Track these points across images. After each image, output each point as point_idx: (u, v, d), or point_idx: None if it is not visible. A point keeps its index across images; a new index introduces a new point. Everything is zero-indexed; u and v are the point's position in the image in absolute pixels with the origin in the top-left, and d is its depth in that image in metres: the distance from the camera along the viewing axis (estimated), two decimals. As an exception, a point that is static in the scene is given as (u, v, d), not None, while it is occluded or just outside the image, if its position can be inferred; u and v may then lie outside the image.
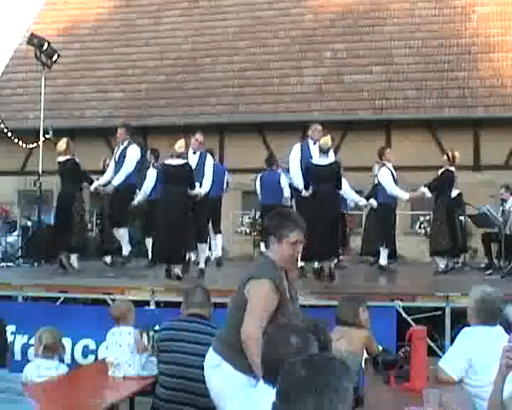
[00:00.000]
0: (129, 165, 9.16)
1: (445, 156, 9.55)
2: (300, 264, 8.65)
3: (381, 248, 9.65)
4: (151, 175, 9.71)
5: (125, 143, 9.34)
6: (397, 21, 17.62)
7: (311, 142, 8.80)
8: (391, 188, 9.29)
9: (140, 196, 9.60)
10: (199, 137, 9.15)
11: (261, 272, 3.52)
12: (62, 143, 9.23)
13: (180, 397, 4.20)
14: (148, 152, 10.39)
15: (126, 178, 9.18)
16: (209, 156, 9.20)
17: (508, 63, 15.91)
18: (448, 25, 17.16)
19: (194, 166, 8.83)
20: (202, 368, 4.12)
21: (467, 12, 17.32)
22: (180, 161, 8.32)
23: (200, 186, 8.64)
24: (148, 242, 10.18)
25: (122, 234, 9.38)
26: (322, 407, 1.70)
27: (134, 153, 9.28)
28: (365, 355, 4.70)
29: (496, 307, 4.04)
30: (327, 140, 8.31)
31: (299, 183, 8.56)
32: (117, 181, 9.15)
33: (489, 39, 16.50)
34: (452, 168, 9.44)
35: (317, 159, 8.27)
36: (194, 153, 9.01)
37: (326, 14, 18.20)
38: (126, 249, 9.44)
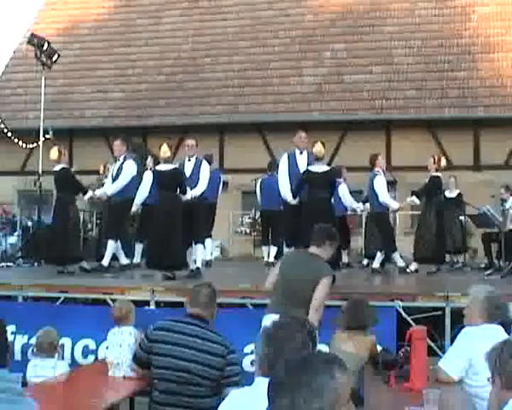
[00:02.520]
0: (123, 178, 9.13)
1: (431, 160, 9.56)
2: None
3: (379, 253, 9.70)
4: (147, 178, 9.72)
5: (122, 159, 9.34)
6: (397, 21, 17.63)
7: (297, 152, 8.64)
8: (383, 197, 9.33)
9: (137, 200, 9.61)
10: (189, 141, 9.04)
11: (330, 270, 5.14)
12: (54, 152, 9.13)
13: (175, 400, 4.16)
14: (149, 157, 10.37)
15: (124, 193, 9.15)
16: (205, 163, 9.06)
17: (508, 63, 15.91)
18: (448, 25, 17.17)
19: (189, 173, 8.76)
20: (199, 376, 4.07)
21: (467, 12, 17.33)
22: (169, 166, 8.30)
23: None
24: (138, 246, 10.18)
25: (115, 247, 9.35)
26: (294, 404, 1.74)
27: (129, 168, 9.25)
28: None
29: (500, 304, 4.09)
30: (321, 148, 8.26)
31: (286, 193, 8.47)
32: (110, 191, 9.16)
33: (489, 39, 16.51)
34: (438, 174, 9.46)
35: (314, 166, 8.23)
36: (189, 159, 8.92)
37: (326, 14, 18.21)
38: (124, 260, 9.44)
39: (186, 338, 4.18)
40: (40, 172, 11.12)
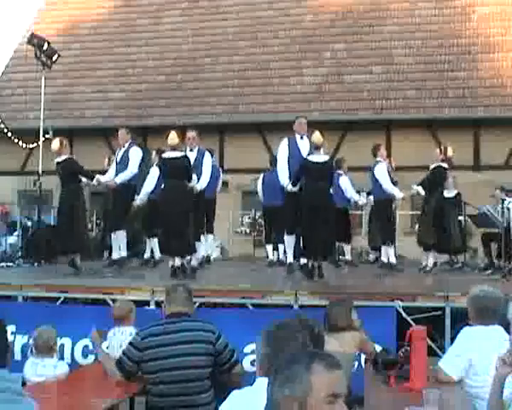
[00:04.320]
0: (133, 166, 9.11)
1: (438, 150, 9.56)
2: (289, 261, 8.63)
3: (383, 247, 9.65)
4: (153, 173, 9.70)
5: (127, 146, 9.32)
6: (397, 21, 17.63)
7: (297, 136, 8.68)
8: (386, 185, 9.30)
9: (142, 195, 9.55)
10: (189, 134, 9.21)
11: None
12: (56, 142, 9.06)
13: (176, 401, 4.15)
14: (154, 152, 10.38)
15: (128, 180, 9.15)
16: (207, 154, 9.23)
17: (508, 63, 15.92)
18: (448, 25, 17.17)
19: (192, 163, 8.87)
20: (194, 367, 4.08)
21: (467, 12, 17.34)
22: (177, 154, 8.33)
23: (198, 182, 8.68)
24: (149, 242, 10.17)
25: (120, 236, 9.32)
26: (272, 390, 1.93)
27: (137, 154, 9.24)
28: (363, 356, 4.70)
29: (492, 306, 4.01)
30: (319, 136, 8.24)
31: (284, 180, 8.45)
32: (120, 180, 9.11)
33: (489, 39, 16.51)
34: (444, 164, 9.43)
35: (313, 156, 8.21)
36: (191, 150, 9.06)
37: (326, 14, 18.21)
38: (124, 252, 9.40)
39: (173, 336, 4.21)
40: (40, 172, 11.12)
